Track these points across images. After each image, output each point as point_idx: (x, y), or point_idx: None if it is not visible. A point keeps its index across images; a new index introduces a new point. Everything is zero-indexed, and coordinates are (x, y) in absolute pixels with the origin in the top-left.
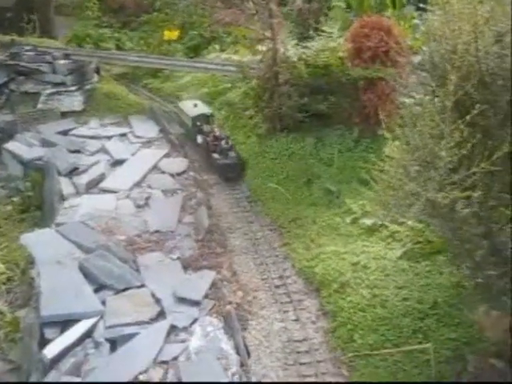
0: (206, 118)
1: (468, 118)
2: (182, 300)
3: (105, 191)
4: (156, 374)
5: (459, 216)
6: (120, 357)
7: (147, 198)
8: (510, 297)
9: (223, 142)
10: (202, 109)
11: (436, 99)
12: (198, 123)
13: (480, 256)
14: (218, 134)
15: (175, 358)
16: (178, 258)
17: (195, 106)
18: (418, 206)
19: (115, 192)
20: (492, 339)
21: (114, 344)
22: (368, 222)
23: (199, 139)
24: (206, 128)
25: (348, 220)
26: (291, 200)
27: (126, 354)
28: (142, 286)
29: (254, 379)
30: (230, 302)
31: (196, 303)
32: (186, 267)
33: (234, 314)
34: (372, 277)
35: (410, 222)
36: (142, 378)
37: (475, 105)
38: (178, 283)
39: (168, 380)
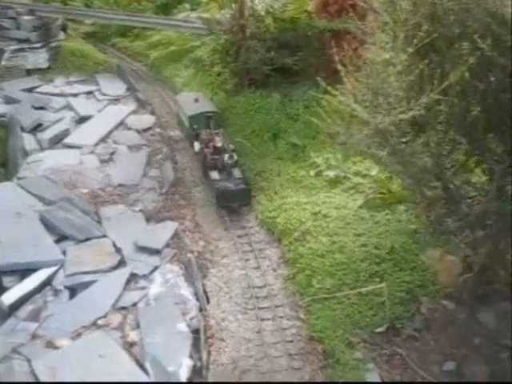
0: (207, 120)
1: (416, 41)
2: (142, 249)
3: (69, 147)
4: (115, 319)
5: (408, 149)
6: (79, 303)
7: (112, 153)
8: (458, 237)
9: (226, 157)
10: (204, 105)
11: (390, 31)
12: (195, 126)
13: (431, 194)
14: (219, 144)
15: (134, 304)
16: (141, 211)
17: (196, 100)
18: (367, 132)
19: (79, 147)
20: (444, 282)
21: (73, 292)
22: (331, 174)
23: (196, 147)
24: (205, 134)
25: (312, 173)
26: (257, 154)
27: (84, 300)
28: (104, 236)
29: (212, 323)
30: (192, 251)
31: (157, 252)
32: (148, 219)
33: (194, 261)
34: (332, 225)
35: (373, 173)
36: (100, 322)
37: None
38: (139, 233)
39: (126, 325)
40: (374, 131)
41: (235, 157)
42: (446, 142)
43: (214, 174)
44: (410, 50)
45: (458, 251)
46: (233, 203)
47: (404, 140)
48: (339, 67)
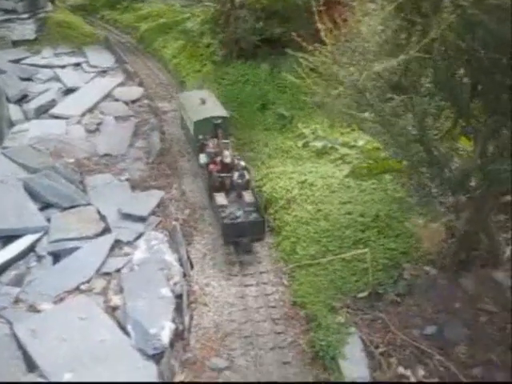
0: (215, 127)
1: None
2: (127, 216)
3: (55, 117)
4: (98, 285)
5: (388, 108)
6: (62, 268)
7: (99, 124)
8: (441, 204)
9: (236, 175)
10: (211, 108)
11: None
12: (201, 136)
13: (415, 156)
14: (228, 159)
15: (118, 270)
16: (127, 180)
17: (202, 102)
18: (342, 89)
19: (66, 118)
20: (427, 249)
21: (57, 258)
22: (318, 144)
23: (202, 159)
24: (212, 144)
25: (299, 144)
26: (245, 125)
27: (68, 265)
28: (88, 204)
29: (196, 288)
30: (177, 219)
31: (142, 219)
32: (134, 187)
33: (179, 228)
34: (318, 193)
35: (360, 143)
36: (83, 287)
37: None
38: (124, 201)
39: (110, 290)
40: (351, 89)
41: (247, 175)
42: (430, 106)
43: (221, 199)
44: (392, 6)
45: (440, 217)
46: (242, 238)
47: (384, 98)
48: (320, 27)
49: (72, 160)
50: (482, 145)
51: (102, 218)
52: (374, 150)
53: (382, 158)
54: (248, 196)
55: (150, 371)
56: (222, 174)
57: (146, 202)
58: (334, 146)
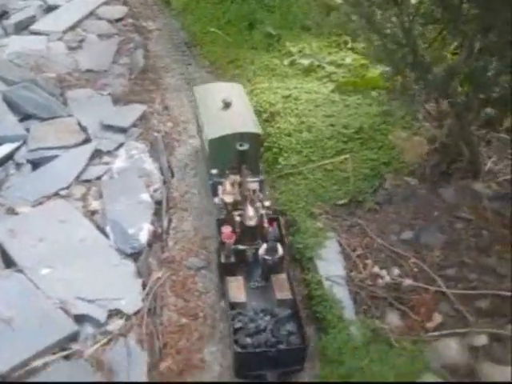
0: (241, 156)
1: None
2: (108, 127)
3: (35, 33)
4: (78, 191)
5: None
6: (41, 175)
7: (81, 41)
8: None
9: (264, 250)
10: (240, 119)
11: None
12: (214, 171)
13: (400, 59)
14: (253, 222)
15: (98, 178)
16: (109, 94)
17: (226, 105)
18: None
19: (47, 34)
20: (409, 161)
21: (36, 165)
22: (305, 62)
23: (217, 201)
24: (230, 186)
25: (286, 62)
26: (231, 44)
27: (47, 172)
28: (69, 116)
29: (176, 194)
30: (159, 131)
31: (123, 130)
32: (116, 101)
33: (160, 139)
34: (302, 107)
35: (348, 61)
36: (63, 193)
37: None
38: (106, 114)
39: (89, 196)
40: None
41: (280, 250)
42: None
43: (236, 291)
44: None
45: (421, 122)
46: (267, 371)
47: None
48: None
49: (53, 75)
50: (468, 45)
51: (83, 128)
52: (360, 67)
53: (369, 75)
54: (280, 286)
55: (128, 268)
56: (241, 247)
57: (127, 114)
58: (321, 64)
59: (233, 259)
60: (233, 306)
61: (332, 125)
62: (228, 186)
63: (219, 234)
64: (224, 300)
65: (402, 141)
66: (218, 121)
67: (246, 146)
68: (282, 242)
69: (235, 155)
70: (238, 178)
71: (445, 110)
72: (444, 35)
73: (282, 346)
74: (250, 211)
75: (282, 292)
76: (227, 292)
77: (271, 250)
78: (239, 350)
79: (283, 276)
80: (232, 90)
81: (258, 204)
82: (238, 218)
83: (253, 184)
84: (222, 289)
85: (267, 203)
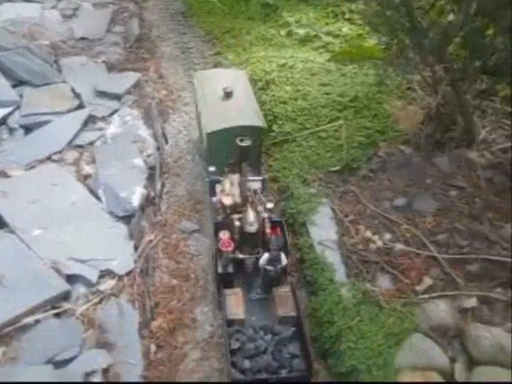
0: (242, 152)
1: None
2: (102, 94)
3: (29, 1)
4: (70, 156)
5: None
6: (34, 140)
7: (75, 9)
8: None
9: (265, 259)
10: (241, 110)
11: None
12: (212, 169)
13: (397, 22)
14: (254, 227)
15: (91, 143)
16: (104, 62)
17: (227, 95)
18: None
19: (40, 2)
20: (404, 130)
21: (28, 130)
22: (302, 32)
23: (214, 200)
24: (229, 187)
25: (283, 32)
26: (228, 14)
27: (40, 137)
28: (63, 82)
29: (169, 160)
30: (153, 98)
31: (117, 97)
32: (110, 69)
33: (154, 105)
34: (297, 76)
35: (345, 30)
36: (55, 157)
37: None
38: (100, 81)
39: (82, 161)
40: None
41: (284, 260)
42: None
43: (234, 307)
44: None
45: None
46: None
47: None
48: None
49: (47, 42)
50: (465, 8)
51: (77, 95)
52: (357, 37)
53: (365, 45)
54: (283, 301)
55: (120, 230)
56: (241, 256)
57: (122, 82)
58: (318, 34)
59: (231, 269)
60: (230, 322)
61: (327, 93)
62: (227, 186)
63: (216, 240)
64: (219, 308)
65: (397, 110)
66: (218, 112)
67: (247, 142)
68: (285, 249)
69: (235, 151)
70: (238, 176)
71: (440, 76)
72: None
73: (284, 373)
74: (251, 216)
75: (285, 308)
76: (224, 307)
77: (274, 260)
78: (237, 376)
79: (286, 289)
80: (234, 78)
81: (260, 208)
82: (237, 223)
83: (254, 183)
84: (218, 300)
85: (270, 205)
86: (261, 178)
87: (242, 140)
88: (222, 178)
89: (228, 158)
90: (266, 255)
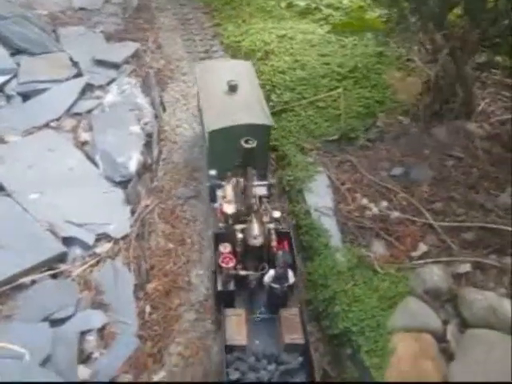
0: (247, 155)
1: None
2: (100, 62)
3: None
4: (68, 123)
5: None
6: (31, 107)
7: None
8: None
9: (271, 277)
10: (247, 107)
11: None
12: (213, 172)
13: None
14: (258, 240)
15: (89, 111)
16: (102, 32)
17: (232, 89)
18: None
19: None
20: (403, 101)
21: (26, 98)
22: (302, 3)
23: (215, 206)
24: (231, 193)
25: (283, 4)
26: None
27: (37, 104)
28: (61, 51)
29: (167, 128)
30: (151, 67)
31: (115, 66)
32: (108, 39)
33: (152, 74)
34: (297, 46)
35: (345, 2)
36: (53, 124)
37: None
38: (98, 50)
39: (79, 128)
40: None
41: (292, 277)
42: None
43: (237, 331)
44: None
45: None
46: None
47: None
48: None
49: (45, 12)
50: None
51: (75, 64)
52: (358, 9)
53: (366, 17)
54: (290, 325)
55: (117, 195)
56: (243, 273)
57: (120, 51)
58: (319, 6)
59: (232, 286)
60: (230, 349)
61: (326, 64)
62: (229, 192)
63: (216, 254)
64: (220, 339)
65: (396, 81)
66: (221, 108)
67: (253, 143)
68: (293, 265)
69: (240, 153)
70: (241, 181)
71: (440, 45)
72: None
73: None
74: (256, 227)
75: (292, 334)
76: (224, 329)
77: (280, 278)
78: None
79: (294, 311)
80: (240, 70)
81: (266, 218)
82: (240, 235)
83: (260, 189)
84: (218, 322)
85: (277, 214)
86: (267, 182)
87: (247, 141)
88: (223, 183)
89: (231, 160)
90: (271, 272)
